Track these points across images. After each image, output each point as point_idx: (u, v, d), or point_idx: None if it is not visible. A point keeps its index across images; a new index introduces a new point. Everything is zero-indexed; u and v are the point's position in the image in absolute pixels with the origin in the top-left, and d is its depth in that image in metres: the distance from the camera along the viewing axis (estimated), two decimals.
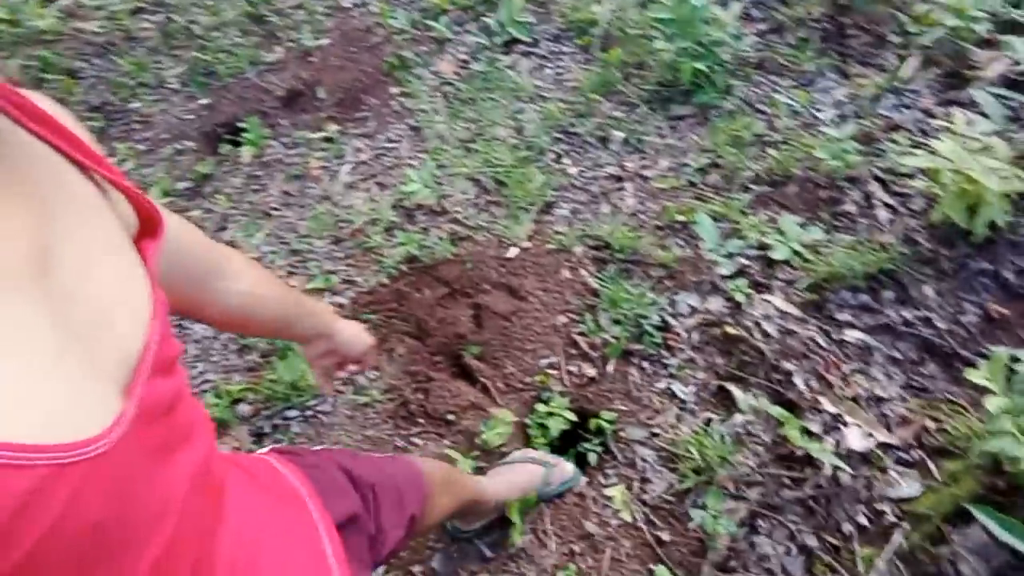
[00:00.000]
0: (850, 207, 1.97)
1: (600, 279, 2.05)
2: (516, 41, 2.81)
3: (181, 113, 2.93)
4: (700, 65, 2.37)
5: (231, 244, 2.48)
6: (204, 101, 2.95)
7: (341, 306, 2.24)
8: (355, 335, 1.05)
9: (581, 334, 1.94)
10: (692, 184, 2.23)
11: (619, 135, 2.46)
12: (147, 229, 0.60)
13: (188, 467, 0.54)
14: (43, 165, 0.50)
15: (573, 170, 2.42)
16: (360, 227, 2.43)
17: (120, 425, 0.44)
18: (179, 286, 0.73)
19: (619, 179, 2.35)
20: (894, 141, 2.03)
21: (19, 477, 0.36)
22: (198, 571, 0.56)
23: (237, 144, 2.75)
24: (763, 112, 2.35)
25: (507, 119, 2.62)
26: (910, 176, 1.92)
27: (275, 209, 2.57)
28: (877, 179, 1.99)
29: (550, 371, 1.89)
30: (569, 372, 1.87)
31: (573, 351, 1.91)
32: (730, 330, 1.80)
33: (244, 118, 2.79)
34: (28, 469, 0.36)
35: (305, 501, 0.85)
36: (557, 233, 2.23)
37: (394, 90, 2.82)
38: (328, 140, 2.72)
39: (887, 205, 1.93)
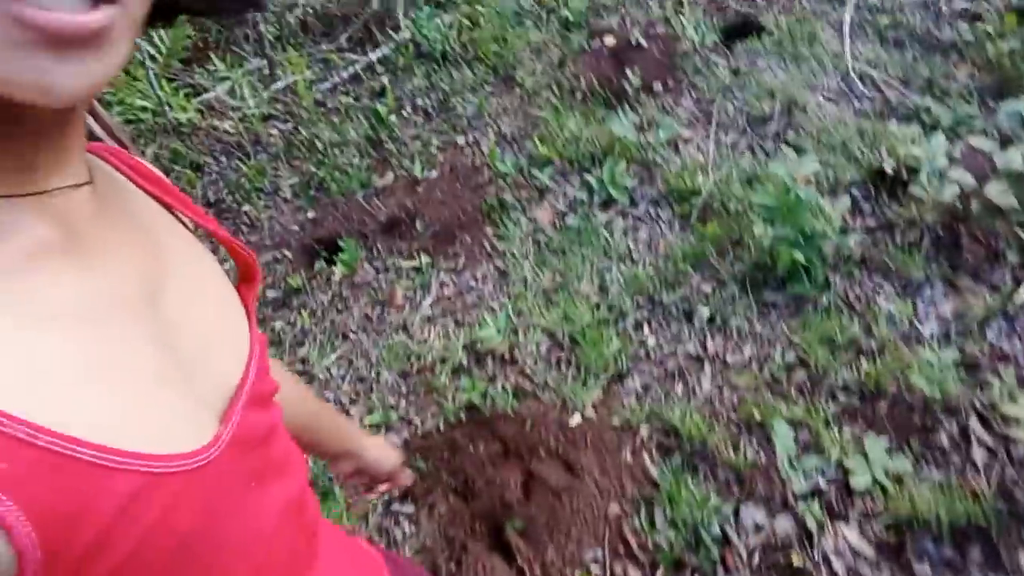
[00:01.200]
0: (944, 440, 1.82)
1: (662, 470, 1.94)
2: (615, 200, 2.83)
3: (287, 223, 3.08)
4: (799, 255, 2.30)
5: (304, 361, 2.52)
6: (311, 215, 3.09)
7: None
8: (382, 453, 1.01)
9: (633, 531, 1.82)
10: (775, 380, 2.12)
11: (705, 312, 2.39)
12: (245, 276, 0.64)
13: (281, 500, 0.56)
14: (154, 214, 0.56)
15: (651, 341, 2.36)
16: (429, 364, 2.43)
17: (217, 446, 0.47)
18: None
19: (699, 360, 2.27)
20: (1000, 375, 1.88)
21: (123, 480, 0.39)
22: None
23: (331, 262, 2.84)
24: (861, 315, 2.23)
25: (593, 276, 2.61)
26: (1016, 421, 1.75)
27: (353, 332, 2.61)
28: (977, 414, 1.84)
29: (593, 566, 1.77)
30: (613, 574, 1.75)
31: (621, 548, 1.80)
32: (796, 560, 1.65)
33: (344, 237, 2.90)
34: (132, 474, 0.39)
35: None
36: (624, 407, 2.15)
37: (489, 231, 2.87)
38: (417, 270, 2.77)
39: (985, 446, 1.76)
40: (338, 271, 2.81)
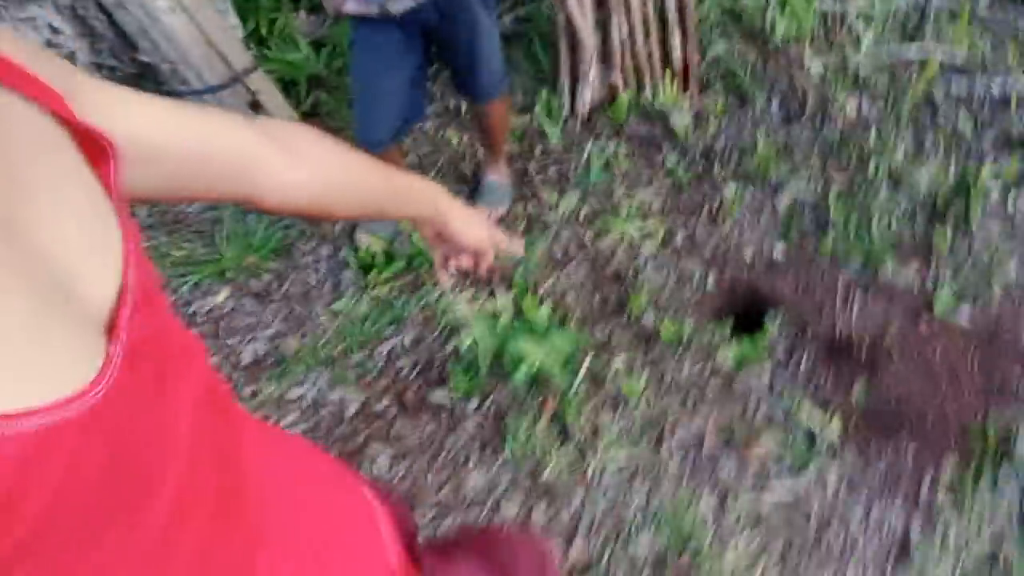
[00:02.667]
0: None
1: None
2: None
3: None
4: None
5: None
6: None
7: None
8: (466, 225, 0.92)
9: None
10: None
11: None
12: (96, 158, 0.53)
13: (191, 394, 0.52)
14: None
15: None
16: None
17: (110, 370, 0.43)
18: (222, 189, 0.68)
19: None
20: None
21: (10, 445, 0.35)
22: (225, 503, 0.53)
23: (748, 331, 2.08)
24: None
25: None
26: None
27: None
28: None
29: None
30: None
31: None
32: None
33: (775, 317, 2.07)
34: (19, 438, 0.35)
35: (371, 505, 0.77)
36: None
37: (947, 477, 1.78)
38: (832, 450, 1.87)
39: None
40: (722, 355, 2.04)
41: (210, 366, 0.60)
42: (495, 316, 2.06)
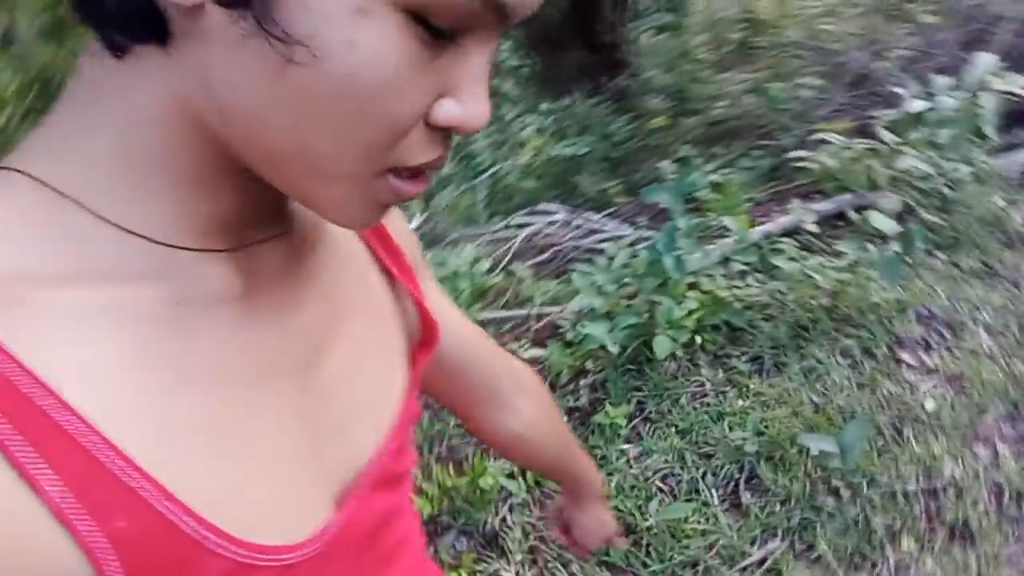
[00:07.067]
0: None
1: None
2: None
3: None
4: None
5: None
6: None
7: None
8: (592, 521, 0.92)
9: None
10: None
11: None
12: (425, 341, 0.59)
13: None
14: (352, 265, 0.51)
15: None
16: None
17: (319, 540, 0.42)
18: (454, 400, 0.73)
19: None
20: None
21: (214, 563, 0.36)
22: None
23: None
24: None
25: None
26: None
27: None
28: None
29: None
30: None
31: None
32: None
33: None
34: (223, 559, 0.36)
35: None
36: None
37: None
38: None
39: None
40: None
41: (420, 562, 0.58)
42: None
